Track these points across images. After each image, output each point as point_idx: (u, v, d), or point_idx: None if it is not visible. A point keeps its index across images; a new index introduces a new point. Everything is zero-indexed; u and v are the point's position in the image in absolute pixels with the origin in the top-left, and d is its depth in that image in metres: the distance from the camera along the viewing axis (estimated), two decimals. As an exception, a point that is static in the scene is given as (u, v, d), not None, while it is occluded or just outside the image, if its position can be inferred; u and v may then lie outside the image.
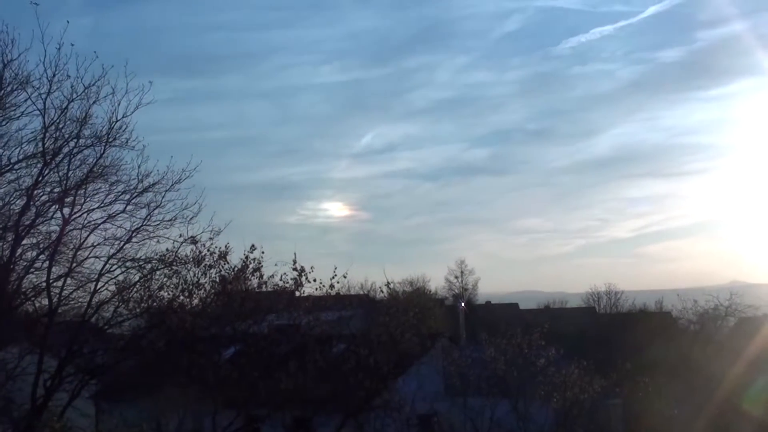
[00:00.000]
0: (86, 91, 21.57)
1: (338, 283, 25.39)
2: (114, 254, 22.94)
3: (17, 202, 22.27)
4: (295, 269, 24.82)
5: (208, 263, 24.23)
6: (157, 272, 23.64)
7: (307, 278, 24.96)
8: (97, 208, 22.83)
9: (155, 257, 23.45)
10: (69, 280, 22.81)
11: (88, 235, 22.83)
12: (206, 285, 24.32)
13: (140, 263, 23.32)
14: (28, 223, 22.18)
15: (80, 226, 22.77)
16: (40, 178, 21.97)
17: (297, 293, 25.60)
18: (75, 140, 22.15)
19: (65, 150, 22.16)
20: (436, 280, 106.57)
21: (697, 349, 48.77)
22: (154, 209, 23.00)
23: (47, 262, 22.43)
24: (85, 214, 22.74)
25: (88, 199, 22.69)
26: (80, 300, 23.27)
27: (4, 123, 21.71)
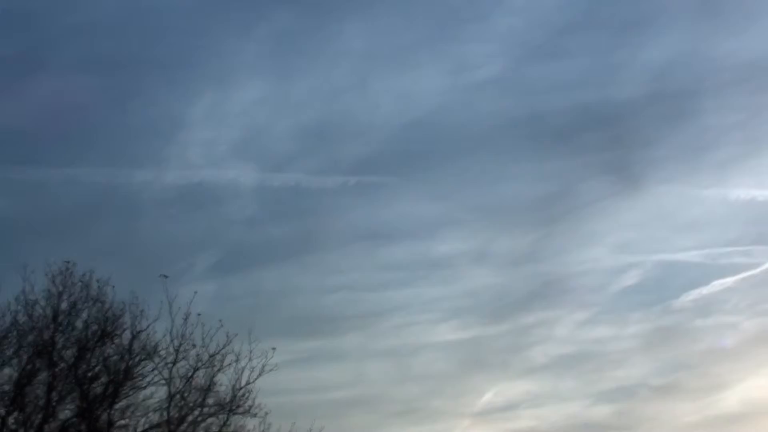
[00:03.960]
0: (211, 359, 22.08)
1: None
2: None
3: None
4: None
5: None
6: None
7: None
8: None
9: None
10: None
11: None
12: None
13: None
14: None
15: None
16: (165, 448, 21.87)
17: None
18: (199, 409, 22.35)
19: (189, 418, 22.29)
20: None
21: None
22: (277, 478, 22.52)
23: None
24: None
25: (211, 468, 22.40)
26: None
27: (131, 393, 22.09)
